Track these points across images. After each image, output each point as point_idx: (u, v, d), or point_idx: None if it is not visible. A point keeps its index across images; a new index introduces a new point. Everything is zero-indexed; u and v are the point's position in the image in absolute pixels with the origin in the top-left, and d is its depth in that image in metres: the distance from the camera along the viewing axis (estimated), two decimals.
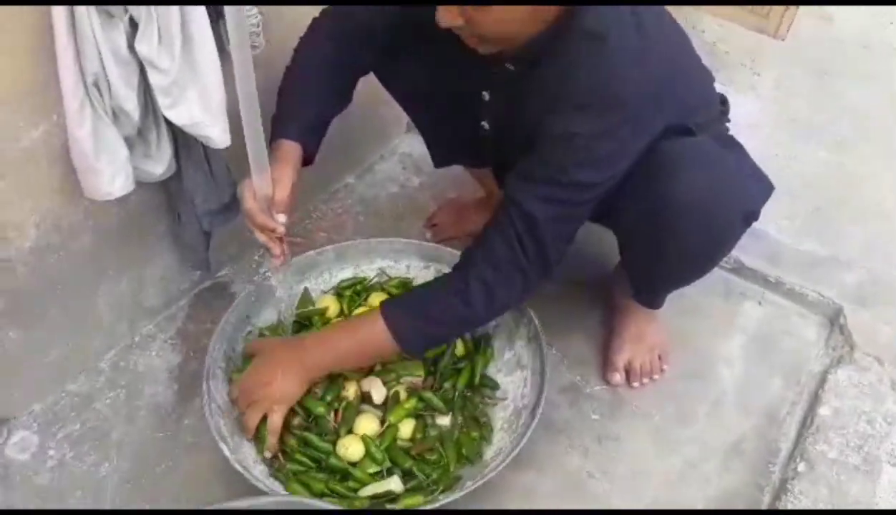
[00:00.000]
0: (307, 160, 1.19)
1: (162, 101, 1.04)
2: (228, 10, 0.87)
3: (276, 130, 1.16)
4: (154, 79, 1.02)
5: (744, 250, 1.57)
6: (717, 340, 1.50)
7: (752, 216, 1.19)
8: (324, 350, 1.17)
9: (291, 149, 1.14)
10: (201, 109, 1.06)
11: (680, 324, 1.50)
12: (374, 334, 1.13)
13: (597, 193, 1.07)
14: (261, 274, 1.48)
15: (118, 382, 1.31)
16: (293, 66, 1.22)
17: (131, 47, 1.01)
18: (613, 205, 1.17)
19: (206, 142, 1.11)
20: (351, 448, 1.16)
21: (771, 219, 1.72)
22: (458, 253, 1.34)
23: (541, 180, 1.06)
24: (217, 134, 1.09)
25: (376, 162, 1.86)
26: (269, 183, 1.07)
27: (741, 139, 1.26)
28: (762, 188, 1.20)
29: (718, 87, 1.31)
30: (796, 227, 1.67)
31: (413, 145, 1.89)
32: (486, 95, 1.23)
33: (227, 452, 1.07)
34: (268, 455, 1.15)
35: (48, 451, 1.20)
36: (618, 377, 1.40)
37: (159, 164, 1.16)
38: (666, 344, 1.44)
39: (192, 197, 1.26)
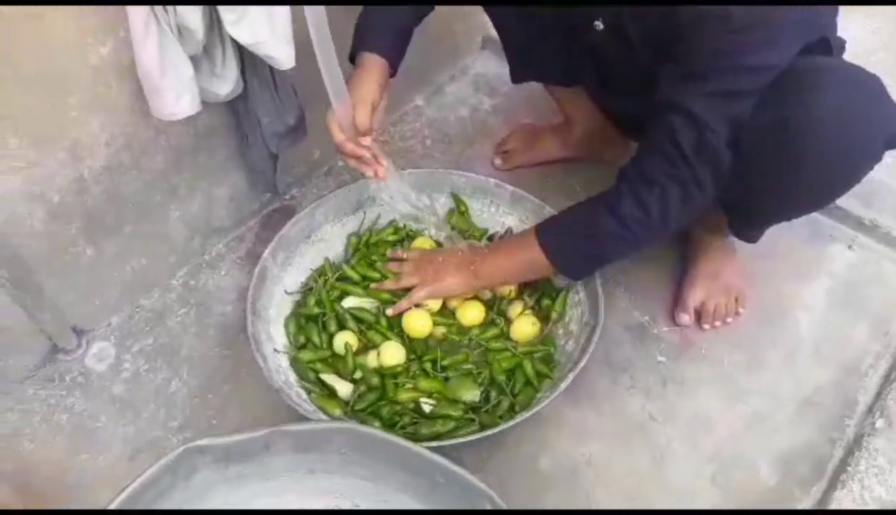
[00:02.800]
0: (392, 72, 1.16)
1: (226, 17, 1.01)
2: None
3: (358, 41, 1.14)
4: None
5: None
6: (799, 284, 1.41)
7: (894, 140, 1.04)
8: (492, 267, 1.21)
9: (374, 64, 1.12)
10: (266, 27, 1.03)
11: (759, 266, 1.42)
12: (533, 256, 1.15)
13: (765, 80, 0.97)
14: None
15: (189, 300, 1.35)
16: None
17: None
18: None
19: (270, 63, 1.08)
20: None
21: None
22: (540, 203, 1.34)
23: (704, 73, 0.96)
24: (282, 54, 1.06)
25: (446, 82, 1.80)
26: (349, 108, 1.05)
27: None
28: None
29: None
30: (891, 165, 1.53)
31: (487, 64, 1.81)
32: None
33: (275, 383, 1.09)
34: (390, 312, 1.23)
35: (124, 363, 1.25)
36: (687, 318, 1.34)
37: (225, 84, 1.14)
38: (743, 286, 1.37)
39: (258, 118, 1.24)
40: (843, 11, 1.11)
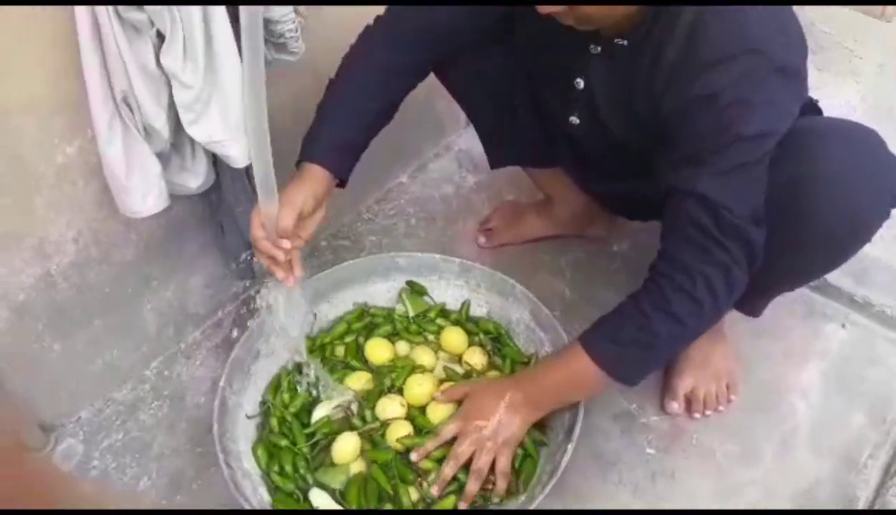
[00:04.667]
0: (338, 183, 1.14)
1: (184, 117, 1.00)
2: (242, 11, 0.81)
3: (305, 150, 1.11)
4: (178, 94, 0.99)
5: None
6: (793, 367, 1.37)
7: None
8: (544, 391, 1.11)
9: (315, 175, 1.09)
10: (221, 126, 1.02)
11: (751, 347, 1.38)
12: (584, 370, 1.06)
13: (769, 145, 0.94)
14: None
15: (163, 391, 1.31)
16: (336, 77, 1.16)
17: (160, 62, 0.97)
18: None
19: (227, 161, 1.07)
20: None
21: None
22: (490, 270, 1.29)
23: (704, 155, 0.94)
24: (236, 152, 1.05)
25: (431, 160, 1.80)
26: (274, 208, 1.01)
27: None
28: None
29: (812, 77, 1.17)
30: (888, 240, 1.50)
31: (470, 141, 1.81)
32: (580, 83, 1.11)
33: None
34: (496, 500, 1.09)
35: (92, 461, 1.21)
36: (676, 406, 1.29)
37: (195, 178, 1.13)
38: (735, 371, 1.32)
39: (231, 208, 1.23)
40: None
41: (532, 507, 1.04)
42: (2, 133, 0.95)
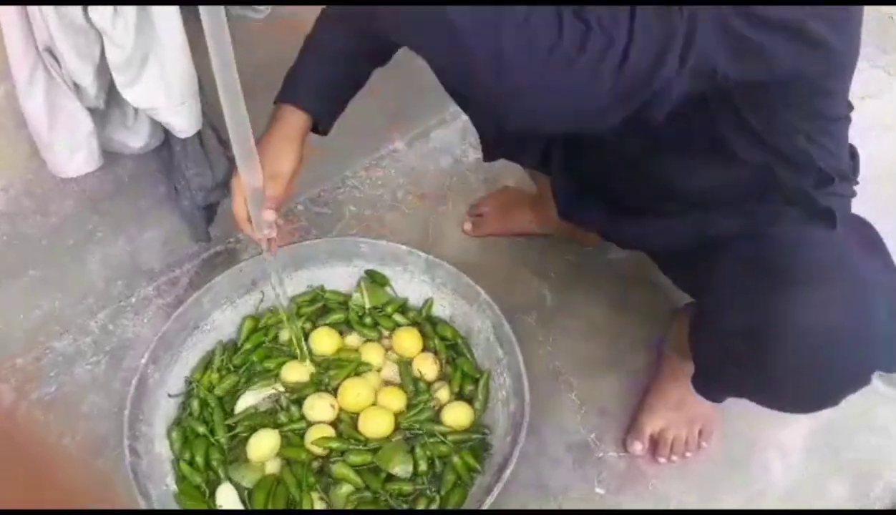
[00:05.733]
0: (321, 132, 1.03)
1: (117, 79, 0.91)
2: None
3: (285, 89, 0.99)
4: (109, 53, 0.89)
5: None
6: (777, 421, 1.21)
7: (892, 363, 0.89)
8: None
9: (297, 121, 0.97)
10: (161, 92, 0.92)
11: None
12: None
13: None
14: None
15: (104, 346, 1.27)
16: (321, 16, 1.03)
17: (89, 15, 0.87)
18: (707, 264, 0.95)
19: (169, 128, 0.97)
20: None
21: None
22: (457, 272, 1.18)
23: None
24: (179, 122, 0.95)
25: (434, 127, 1.66)
26: (258, 175, 0.91)
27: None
28: None
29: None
30: None
31: None
32: None
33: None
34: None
35: (19, 410, 1.18)
36: (640, 447, 1.18)
37: (137, 138, 1.05)
38: (711, 418, 1.19)
39: (183, 171, 1.14)
40: None
41: None
42: None
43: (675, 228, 1.06)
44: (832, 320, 0.81)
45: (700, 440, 1.19)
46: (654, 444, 1.19)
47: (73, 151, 0.96)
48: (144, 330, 1.29)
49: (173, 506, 1.02)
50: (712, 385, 1.06)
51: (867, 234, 0.95)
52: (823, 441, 1.21)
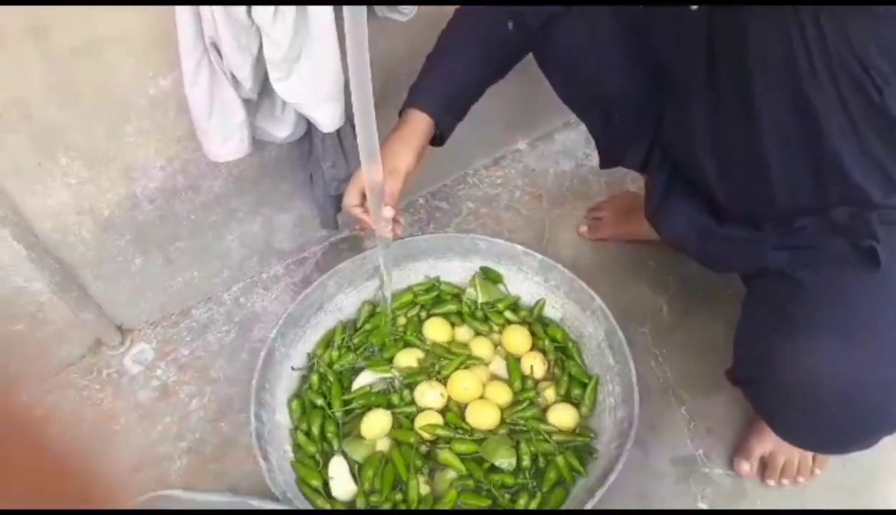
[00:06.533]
0: (438, 140, 1.07)
1: (272, 74, 0.98)
2: None
3: (410, 97, 1.05)
4: (267, 49, 0.96)
5: None
6: None
7: None
8: None
9: (419, 124, 1.02)
10: (310, 89, 0.98)
11: None
12: None
13: None
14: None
15: (234, 317, 1.37)
16: (448, 27, 1.08)
17: (252, 14, 0.94)
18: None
19: (313, 122, 1.03)
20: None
21: None
22: (571, 276, 1.20)
23: None
24: (323, 117, 1.01)
25: (558, 129, 1.67)
26: (379, 172, 0.95)
27: None
28: None
29: None
30: None
31: None
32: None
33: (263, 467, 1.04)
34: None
35: (157, 370, 1.30)
36: (747, 468, 1.16)
37: (284, 128, 1.12)
38: None
39: (320, 161, 1.21)
40: None
41: None
42: (96, 62, 0.97)
43: (755, 242, 1.03)
44: (826, 368, 0.81)
45: (814, 466, 1.15)
46: (763, 466, 1.16)
47: (226, 138, 1.04)
48: (272, 306, 1.38)
49: (289, 471, 1.09)
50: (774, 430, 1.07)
51: None
52: None
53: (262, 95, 1.07)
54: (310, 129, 1.18)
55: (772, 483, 1.15)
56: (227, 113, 1.02)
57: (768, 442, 1.15)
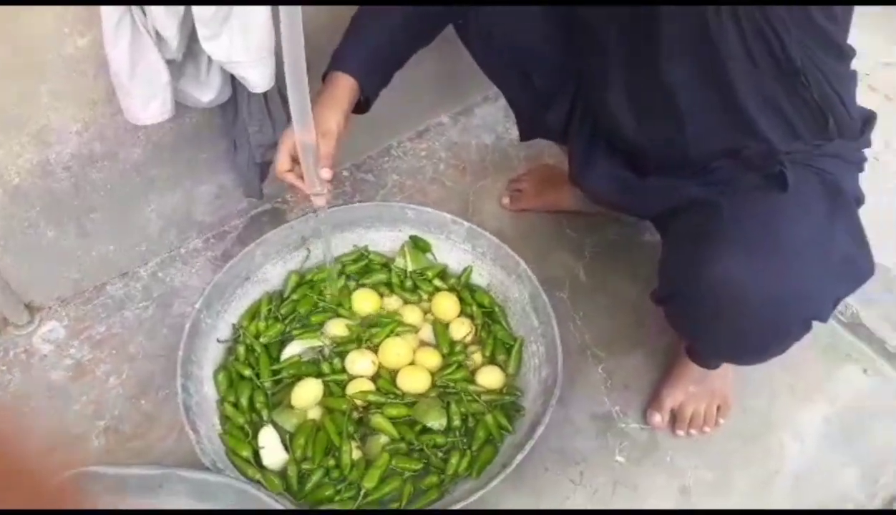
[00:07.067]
0: (362, 106, 1.08)
1: (201, 32, 0.95)
2: None
3: (334, 61, 1.05)
4: (196, 7, 0.93)
5: (867, 302, 1.32)
6: (796, 404, 1.28)
7: (821, 316, 0.97)
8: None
9: (345, 87, 1.02)
10: (241, 47, 0.96)
11: (755, 373, 1.27)
12: None
13: None
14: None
15: (153, 293, 1.33)
16: None
17: None
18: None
19: (244, 82, 1.02)
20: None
21: None
22: (498, 242, 1.23)
23: None
24: (255, 76, 1.00)
25: (478, 104, 1.70)
26: (312, 131, 0.95)
27: None
28: (847, 279, 0.96)
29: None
30: None
31: None
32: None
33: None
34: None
35: (70, 349, 1.24)
36: (659, 419, 1.24)
37: (208, 91, 1.09)
38: (729, 395, 1.25)
39: (245, 126, 1.19)
40: None
41: (480, 494, 1.02)
42: (8, 17, 0.92)
43: (676, 186, 1.10)
44: (740, 279, 0.89)
45: (718, 416, 1.24)
46: (674, 418, 1.24)
47: (148, 100, 1.01)
48: (192, 280, 1.35)
49: (219, 444, 1.08)
50: (689, 349, 1.16)
51: (837, 204, 0.98)
52: (839, 427, 1.25)
53: (186, 57, 1.04)
54: (234, 95, 1.15)
55: (681, 433, 1.23)
56: (150, 73, 0.99)
57: (679, 394, 1.23)
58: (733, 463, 1.21)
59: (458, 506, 1.00)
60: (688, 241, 1.01)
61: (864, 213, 1.05)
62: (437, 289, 1.27)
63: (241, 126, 1.20)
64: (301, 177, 1.00)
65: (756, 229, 0.92)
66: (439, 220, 1.29)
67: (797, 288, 0.90)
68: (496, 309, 1.26)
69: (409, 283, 1.27)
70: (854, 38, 0.98)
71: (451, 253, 1.31)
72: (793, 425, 1.26)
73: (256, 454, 1.08)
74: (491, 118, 1.69)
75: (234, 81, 1.13)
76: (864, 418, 1.27)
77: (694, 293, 0.96)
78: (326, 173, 1.00)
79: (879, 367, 1.33)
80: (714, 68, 0.93)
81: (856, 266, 0.97)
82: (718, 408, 1.24)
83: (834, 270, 0.93)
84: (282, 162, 1.00)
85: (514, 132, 1.65)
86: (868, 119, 1.06)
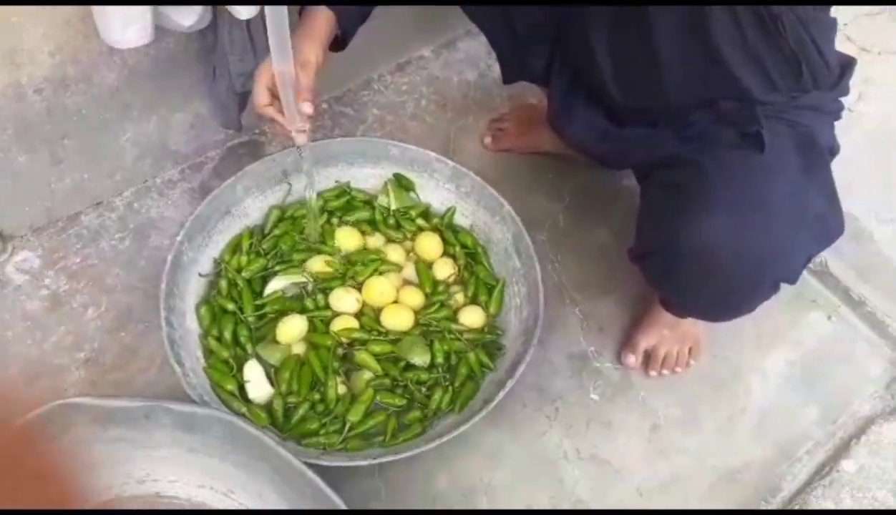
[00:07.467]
0: (338, 43, 1.05)
1: None
2: None
3: None
4: None
5: (834, 250, 1.36)
6: (762, 349, 1.33)
7: (792, 276, 1.01)
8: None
9: (321, 21, 1.00)
10: None
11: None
12: None
13: None
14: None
15: (128, 224, 1.29)
16: None
17: None
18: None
19: (229, 9, 0.98)
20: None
21: (886, 218, 1.48)
22: (482, 182, 1.23)
23: None
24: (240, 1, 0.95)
25: (461, 37, 1.66)
26: (290, 60, 0.91)
27: None
28: (819, 238, 1.00)
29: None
30: None
31: None
32: None
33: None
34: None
35: (45, 279, 1.21)
36: (633, 359, 1.27)
37: (189, 15, 1.04)
38: (701, 338, 1.29)
39: (226, 54, 1.15)
40: None
41: (462, 429, 1.04)
42: None
43: (655, 138, 1.11)
44: (720, 239, 0.92)
45: (689, 358, 1.29)
46: (647, 359, 1.28)
47: (127, 23, 0.96)
48: (169, 211, 1.32)
49: (203, 377, 1.08)
50: (664, 301, 1.19)
51: (811, 160, 1.01)
52: (802, 372, 1.31)
53: None
54: (215, 21, 1.11)
55: (653, 373, 1.28)
56: None
57: (652, 337, 1.27)
58: (702, 402, 1.26)
59: (440, 441, 1.02)
60: (666, 200, 1.03)
61: (835, 164, 1.09)
62: (421, 229, 1.27)
63: (220, 54, 1.16)
64: (282, 112, 0.97)
65: (734, 190, 0.94)
66: (423, 159, 1.27)
67: (774, 246, 0.93)
68: (479, 249, 1.26)
69: (392, 221, 1.27)
70: None
71: (434, 192, 1.30)
72: (759, 369, 1.31)
73: (241, 387, 1.08)
74: (474, 53, 1.65)
75: (215, 7, 1.08)
76: (825, 362, 1.33)
77: (672, 252, 0.98)
78: (308, 107, 0.98)
79: (843, 314, 1.39)
80: (695, 19, 0.94)
81: (827, 224, 1.00)
82: (690, 350, 1.28)
83: (808, 229, 0.96)
84: (260, 95, 0.98)
85: (497, 69, 1.63)
86: (846, 65, 1.08)
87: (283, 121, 0.99)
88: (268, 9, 0.84)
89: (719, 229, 0.91)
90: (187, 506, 0.99)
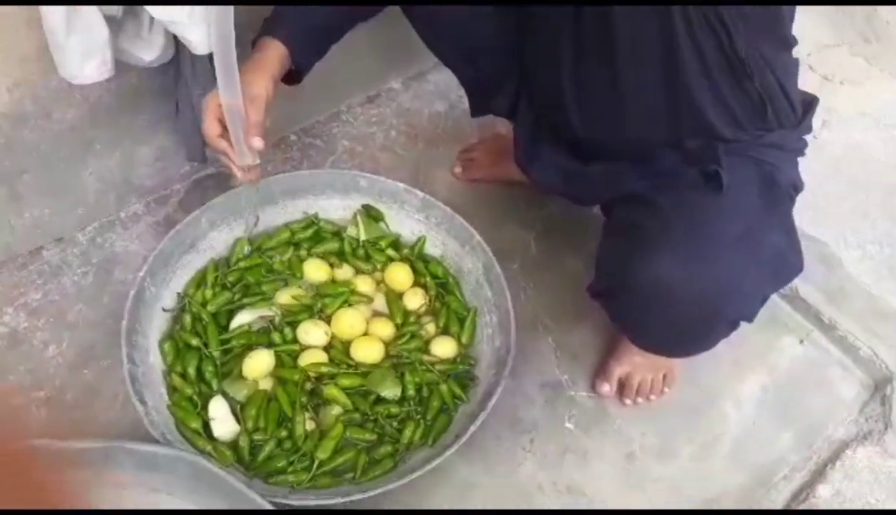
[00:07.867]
0: (294, 76, 1.04)
1: None
2: None
3: (264, 27, 1.01)
4: None
5: (804, 276, 1.37)
6: (737, 374, 1.33)
7: (748, 315, 1.02)
8: None
9: (273, 53, 0.98)
10: (184, 9, 0.91)
11: None
12: None
13: None
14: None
15: (91, 259, 1.27)
16: None
17: None
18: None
19: (185, 44, 0.97)
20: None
21: (854, 243, 1.49)
22: (452, 213, 1.22)
23: None
24: (198, 37, 0.95)
25: (430, 70, 1.67)
26: (238, 97, 0.90)
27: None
28: (777, 275, 1.01)
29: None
30: (879, 261, 1.44)
31: None
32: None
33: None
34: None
35: (4, 316, 1.18)
36: (607, 388, 1.26)
37: (150, 50, 1.04)
38: (676, 366, 1.28)
39: (189, 87, 1.14)
40: None
41: (434, 464, 1.02)
42: None
43: (619, 176, 1.11)
44: (672, 279, 0.92)
45: (664, 385, 1.28)
46: (622, 387, 1.27)
47: (86, 58, 0.95)
48: (133, 246, 1.30)
49: (167, 415, 1.05)
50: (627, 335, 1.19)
51: (773, 197, 1.01)
52: (776, 397, 1.31)
53: (126, 13, 0.98)
54: (178, 54, 1.10)
55: (628, 401, 1.26)
56: (87, 30, 0.93)
57: (626, 365, 1.26)
58: (677, 430, 1.25)
59: (412, 476, 1.00)
60: (623, 238, 1.04)
61: (802, 191, 1.09)
62: (391, 259, 1.25)
63: (183, 88, 1.15)
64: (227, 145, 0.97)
65: (688, 230, 0.94)
66: (393, 189, 1.27)
67: (725, 286, 0.93)
68: (450, 279, 1.25)
69: (361, 253, 1.25)
70: (797, 21, 1.00)
71: (404, 222, 1.29)
72: (733, 395, 1.30)
73: (206, 425, 1.05)
74: (444, 85, 1.66)
75: (177, 41, 1.08)
76: (799, 387, 1.33)
77: (626, 290, 0.99)
78: (258, 142, 0.96)
79: (815, 338, 1.39)
80: (664, 58, 0.95)
81: (786, 261, 1.01)
82: (664, 377, 1.28)
83: (764, 267, 0.96)
84: (210, 126, 0.96)
85: (467, 101, 1.65)
86: (809, 104, 1.09)
87: (232, 156, 0.98)
88: (214, 40, 0.83)
89: (671, 268, 0.91)
90: None
